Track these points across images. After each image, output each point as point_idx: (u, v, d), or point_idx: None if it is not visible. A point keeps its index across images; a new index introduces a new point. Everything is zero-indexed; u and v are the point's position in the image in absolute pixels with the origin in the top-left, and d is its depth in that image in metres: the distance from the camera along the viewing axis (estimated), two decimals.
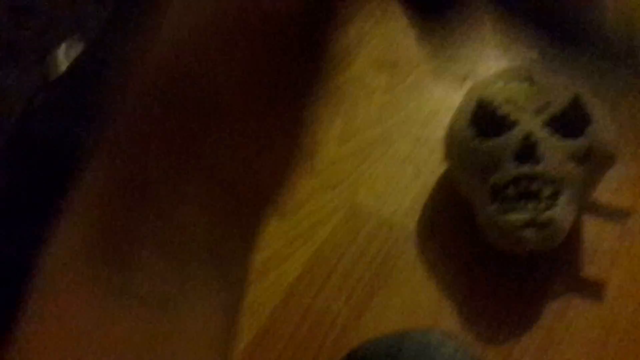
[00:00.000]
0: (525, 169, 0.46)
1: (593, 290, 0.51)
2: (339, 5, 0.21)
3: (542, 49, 0.67)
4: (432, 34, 0.25)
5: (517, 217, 0.47)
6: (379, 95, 0.60)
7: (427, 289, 0.51)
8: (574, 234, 0.53)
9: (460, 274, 0.52)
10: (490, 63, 0.63)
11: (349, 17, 0.22)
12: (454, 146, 0.50)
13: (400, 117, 0.59)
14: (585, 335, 0.49)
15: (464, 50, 0.64)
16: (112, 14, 0.54)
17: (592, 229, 0.53)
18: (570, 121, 0.47)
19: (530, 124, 0.46)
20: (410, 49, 0.62)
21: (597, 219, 0.52)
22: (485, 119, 0.48)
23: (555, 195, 0.46)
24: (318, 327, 0.50)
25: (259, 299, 0.50)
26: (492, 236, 0.49)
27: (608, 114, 0.49)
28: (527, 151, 0.46)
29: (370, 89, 0.60)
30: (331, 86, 0.23)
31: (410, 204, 0.55)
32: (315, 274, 0.52)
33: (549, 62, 0.63)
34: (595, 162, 0.47)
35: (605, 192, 0.55)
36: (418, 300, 0.51)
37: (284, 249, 0.53)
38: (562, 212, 0.47)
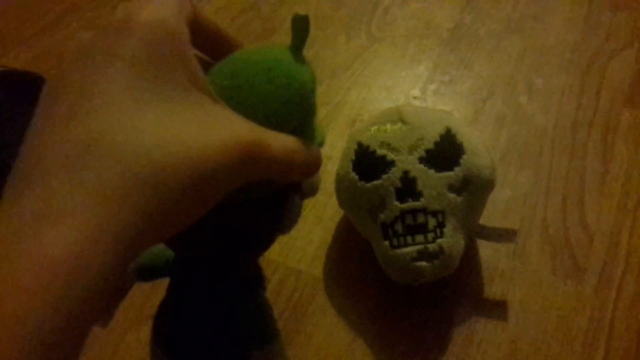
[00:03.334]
0: (408, 204, 0.48)
1: (496, 310, 0.53)
2: None
3: (423, 86, 0.70)
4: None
5: (409, 250, 0.48)
6: None
7: (339, 330, 0.53)
8: (472, 259, 0.56)
9: (369, 312, 0.53)
10: (374, 105, 0.66)
11: None
12: (343, 190, 0.52)
13: None
14: (494, 355, 0.51)
15: (350, 96, 0.67)
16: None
17: (488, 251, 0.56)
18: (445, 153, 0.50)
19: (406, 162, 0.49)
20: None
21: (490, 241, 0.54)
22: (366, 162, 0.50)
23: (440, 225, 0.49)
24: None
25: None
26: (390, 271, 0.50)
27: (480, 142, 0.52)
28: (408, 187, 0.48)
29: None
30: None
31: (315, 250, 0.57)
32: None
33: (431, 97, 0.67)
34: (474, 188, 0.50)
35: (496, 214, 0.58)
36: (332, 343, 0.52)
37: None
38: (450, 239, 0.49)
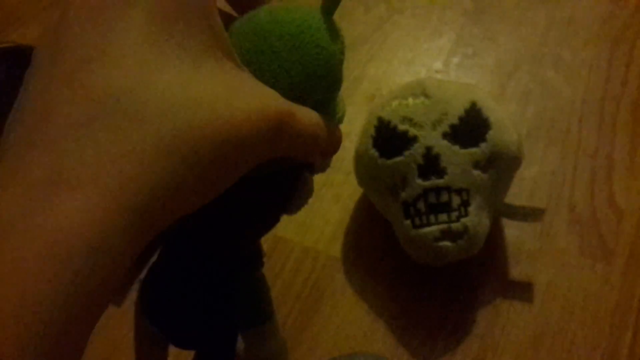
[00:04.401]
0: (431, 182, 0.46)
1: (521, 291, 0.51)
2: None
3: (445, 59, 0.67)
4: None
5: (431, 229, 0.47)
6: None
7: (358, 312, 0.51)
8: (497, 238, 0.54)
9: (389, 293, 0.52)
10: (394, 79, 0.64)
11: None
12: (362, 168, 0.51)
13: None
14: (519, 337, 0.50)
15: (369, 70, 0.65)
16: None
17: (513, 231, 0.54)
18: (470, 128, 0.47)
19: (429, 137, 0.46)
20: None
21: (516, 220, 0.52)
22: (386, 138, 0.48)
23: (465, 204, 0.47)
24: None
25: None
26: (411, 252, 0.49)
27: (508, 117, 0.50)
28: (431, 164, 0.46)
29: None
30: None
31: (333, 230, 0.55)
32: None
33: (454, 70, 0.64)
34: (500, 165, 0.48)
35: (522, 192, 0.56)
36: (351, 325, 0.51)
37: None
38: (474, 218, 0.47)
